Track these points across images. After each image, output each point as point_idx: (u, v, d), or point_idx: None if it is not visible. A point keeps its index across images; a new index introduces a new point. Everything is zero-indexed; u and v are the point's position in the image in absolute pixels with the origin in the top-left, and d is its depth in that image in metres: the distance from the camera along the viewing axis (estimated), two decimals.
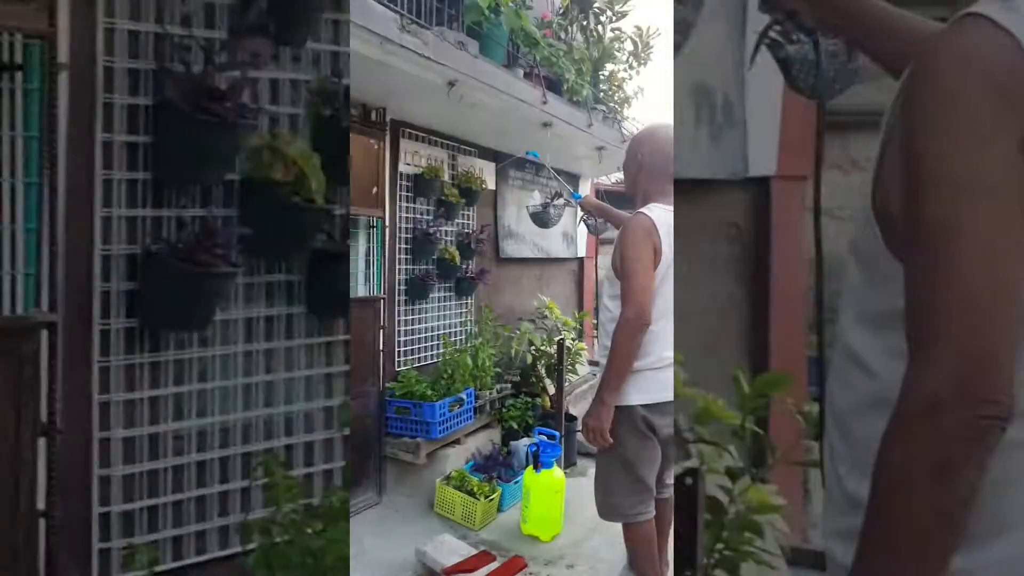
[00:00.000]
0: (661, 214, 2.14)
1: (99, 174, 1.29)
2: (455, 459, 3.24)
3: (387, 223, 3.14)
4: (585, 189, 5.09)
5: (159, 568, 1.31)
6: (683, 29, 1.01)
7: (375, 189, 3.04)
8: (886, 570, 0.62)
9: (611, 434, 2.13)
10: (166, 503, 1.35)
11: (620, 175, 6.00)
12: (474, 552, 2.49)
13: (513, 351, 3.78)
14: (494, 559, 2.45)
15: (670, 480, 2.39)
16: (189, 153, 1.28)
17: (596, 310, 5.68)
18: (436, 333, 3.52)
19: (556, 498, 2.86)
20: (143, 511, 1.33)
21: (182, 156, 1.29)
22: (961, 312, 0.59)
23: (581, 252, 5.13)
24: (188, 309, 1.31)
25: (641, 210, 2.16)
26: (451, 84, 2.69)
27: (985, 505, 0.61)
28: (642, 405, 2.12)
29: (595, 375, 4.62)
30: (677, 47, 1.96)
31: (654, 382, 2.14)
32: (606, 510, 2.29)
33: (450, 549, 2.50)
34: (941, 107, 0.62)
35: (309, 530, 1.18)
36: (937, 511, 0.60)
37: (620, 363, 2.06)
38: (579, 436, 3.79)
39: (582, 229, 4.73)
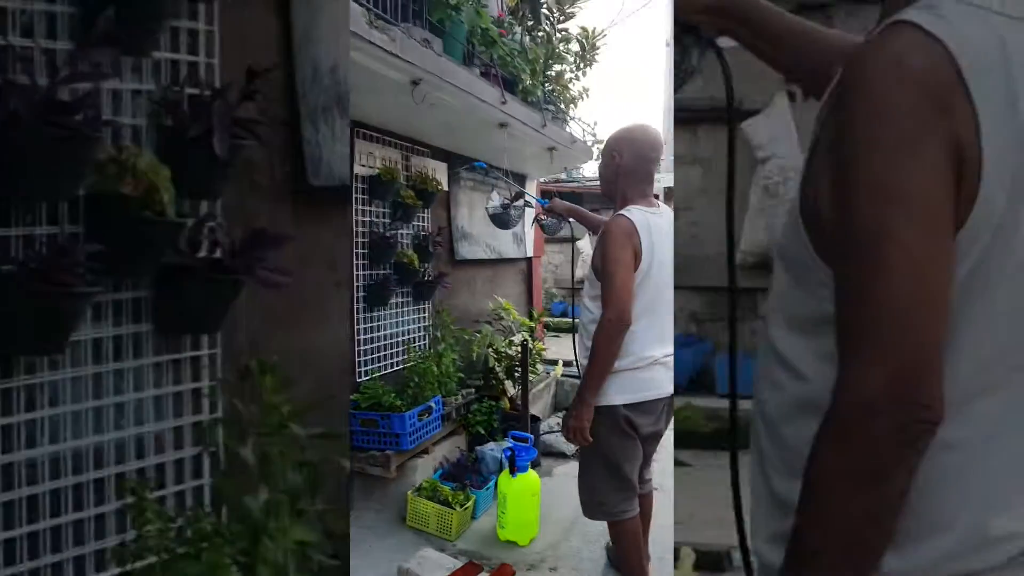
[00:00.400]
0: (640, 216, 2.16)
1: None
2: (424, 469, 3.15)
3: None
4: (531, 189, 5.09)
5: None
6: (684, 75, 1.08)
7: None
8: (815, 573, 0.63)
9: (594, 434, 2.13)
10: (22, 535, 1.29)
11: (563, 175, 6.05)
12: (460, 565, 2.43)
13: (474, 355, 3.72)
14: (482, 569, 2.40)
15: (649, 476, 2.44)
16: (39, 169, 1.21)
17: (548, 309, 5.70)
18: (396, 340, 3.41)
19: (533, 501, 2.84)
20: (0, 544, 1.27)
21: (32, 172, 1.21)
22: (891, 318, 0.60)
23: (529, 252, 5.13)
24: (44, 331, 1.24)
25: (621, 212, 2.18)
26: (415, 83, 2.61)
27: (916, 506, 0.63)
28: (623, 405, 2.15)
29: (548, 374, 4.64)
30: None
31: (635, 382, 2.17)
32: (592, 509, 2.30)
33: (435, 563, 2.42)
34: (871, 115, 0.62)
35: (181, 550, 1.14)
36: (868, 515, 0.61)
37: (601, 364, 2.07)
38: (545, 438, 3.79)
39: (529, 228, 4.74)
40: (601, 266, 2.11)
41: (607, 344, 2.06)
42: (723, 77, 0.95)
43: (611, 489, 2.21)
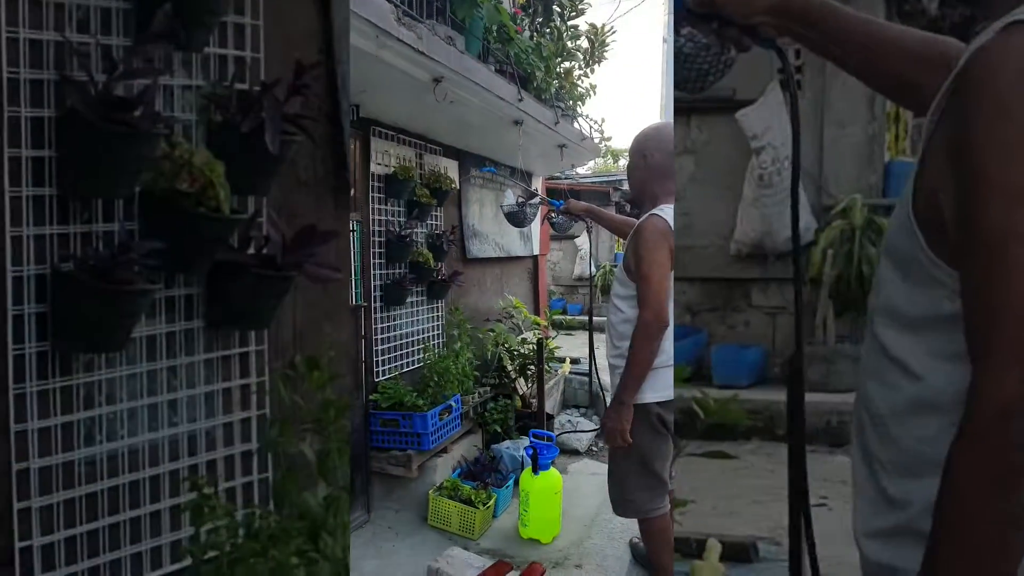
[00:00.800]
0: (670, 215, 2.17)
1: (8, 192, 1.19)
2: (443, 469, 3.14)
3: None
4: (537, 186, 5.09)
5: None
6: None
7: (352, 191, 2.87)
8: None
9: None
10: (82, 533, 1.30)
11: (558, 172, 6.05)
12: (490, 563, 2.42)
13: (489, 353, 3.72)
14: (512, 568, 2.40)
15: (675, 472, 2.45)
16: (99, 166, 1.21)
17: (548, 306, 5.70)
18: (412, 339, 3.39)
19: (555, 499, 2.85)
20: (61, 543, 1.28)
21: (92, 169, 1.22)
22: (1022, 321, 0.60)
23: (536, 250, 5.13)
24: (106, 330, 1.24)
25: (655, 212, 2.17)
26: (436, 80, 2.59)
27: None
28: (656, 403, 2.15)
29: (556, 371, 4.64)
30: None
31: (666, 379, 2.18)
32: (623, 507, 2.29)
33: (463, 562, 2.42)
34: (997, 115, 0.63)
35: (252, 551, 1.15)
36: (1010, 519, 0.61)
37: (641, 365, 2.07)
38: (560, 436, 3.79)
39: (535, 226, 4.73)
40: (636, 267, 2.11)
41: (647, 345, 2.05)
42: (787, 77, 0.95)
43: (642, 487, 2.21)
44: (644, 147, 2.24)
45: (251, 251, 1.43)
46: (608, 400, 2.26)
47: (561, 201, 3.04)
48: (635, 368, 2.06)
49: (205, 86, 1.41)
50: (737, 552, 2.29)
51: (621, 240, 3.91)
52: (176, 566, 1.40)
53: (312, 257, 1.41)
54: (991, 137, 0.63)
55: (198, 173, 1.27)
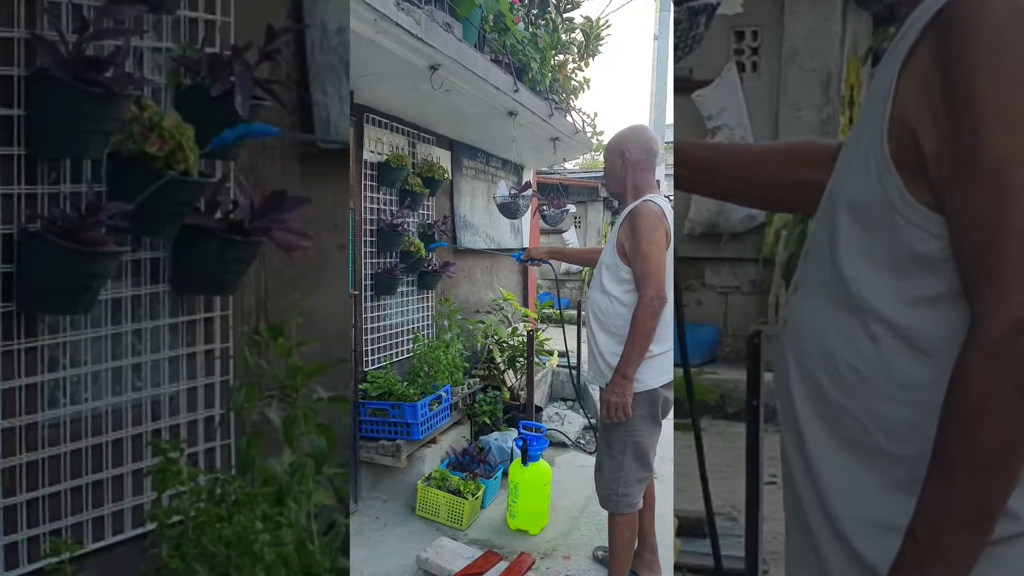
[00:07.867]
0: (663, 202, 2.20)
1: None
2: (431, 459, 3.13)
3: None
4: (527, 178, 5.08)
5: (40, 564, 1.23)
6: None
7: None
8: (968, 486, 0.65)
9: (628, 421, 2.14)
10: (44, 496, 1.29)
11: (546, 167, 6.04)
12: (479, 554, 2.42)
13: (478, 344, 3.70)
14: (501, 559, 2.40)
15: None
16: (69, 125, 1.19)
17: (548, 298, 5.70)
18: (401, 329, 3.37)
19: (544, 491, 2.85)
20: (23, 506, 1.27)
21: (63, 129, 1.20)
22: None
23: (526, 242, 5.12)
24: (72, 291, 1.22)
25: (648, 198, 2.20)
26: (433, 68, 2.57)
27: None
28: (662, 386, 2.17)
29: (544, 364, 4.64)
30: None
31: (668, 364, 2.20)
32: (614, 502, 2.26)
33: (452, 553, 2.41)
34: (993, 49, 0.65)
35: (217, 516, 1.14)
36: (1022, 427, 0.63)
37: (644, 340, 2.11)
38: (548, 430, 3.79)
39: (526, 219, 4.73)
40: (635, 247, 2.13)
41: (650, 320, 2.08)
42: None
43: (636, 480, 2.22)
44: (621, 146, 2.27)
45: (219, 216, 1.41)
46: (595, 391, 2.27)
47: (519, 252, 3.02)
48: (638, 343, 2.08)
49: (175, 48, 1.39)
50: (692, 527, 2.30)
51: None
52: (139, 530, 1.39)
53: (280, 223, 1.39)
54: (986, 69, 0.65)
55: (168, 136, 1.25)
